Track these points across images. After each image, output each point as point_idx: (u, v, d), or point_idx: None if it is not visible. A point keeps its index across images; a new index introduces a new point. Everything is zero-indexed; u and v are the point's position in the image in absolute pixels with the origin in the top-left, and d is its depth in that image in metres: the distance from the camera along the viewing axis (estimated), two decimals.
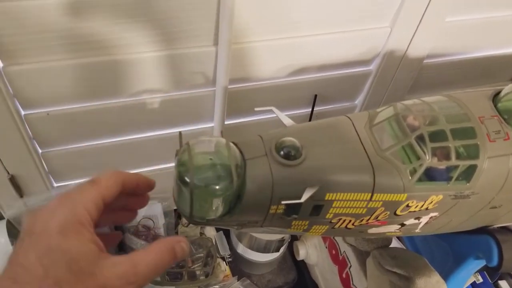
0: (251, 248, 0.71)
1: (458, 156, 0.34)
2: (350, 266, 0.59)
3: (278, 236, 0.68)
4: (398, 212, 0.36)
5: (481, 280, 0.68)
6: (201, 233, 0.76)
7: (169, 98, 0.56)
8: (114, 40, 0.47)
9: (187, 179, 0.29)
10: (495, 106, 0.38)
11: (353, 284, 0.58)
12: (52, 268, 0.24)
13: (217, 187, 0.30)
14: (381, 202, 0.35)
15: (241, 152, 0.32)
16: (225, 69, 0.52)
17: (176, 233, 0.75)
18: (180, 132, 0.33)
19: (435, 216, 0.38)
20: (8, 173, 0.55)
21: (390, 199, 0.34)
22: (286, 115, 0.38)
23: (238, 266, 0.76)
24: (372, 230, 0.39)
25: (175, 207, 0.37)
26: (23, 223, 0.27)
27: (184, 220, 0.74)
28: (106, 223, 0.34)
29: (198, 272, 0.66)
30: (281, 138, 0.33)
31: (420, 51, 0.64)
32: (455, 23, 0.63)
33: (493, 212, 0.40)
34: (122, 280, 0.26)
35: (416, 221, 0.38)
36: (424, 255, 0.55)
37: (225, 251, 0.74)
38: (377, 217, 0.36)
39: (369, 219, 0.36)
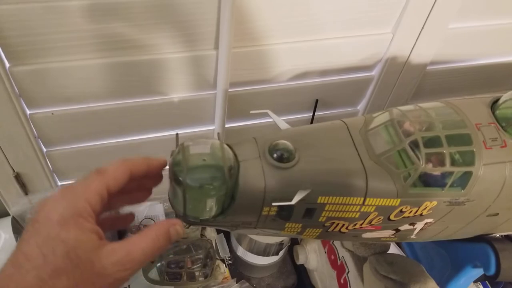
0: (251, 251, 0.71)
1: (453, 163, 0.34)
2: (348, 272, 0.58)
3: (277, 239, 0.68)
4: (391, 217, 0.36)
5: None
6: (202, 235, 0.76)
7: (171, 101, 0.56)
8: (118, 42, 0.48)
9: (181, 179, 0.30)
10: (493, 113, 0.38)
11: None
12: (51, 256, 0.25)
13: (210, 187, 0.30)
14: (374, 207, 0.35)
15: (235, 154, 0.33)
16: (225, 72, 0.52)
17: None
18: (177, 134, 0.33)
19: (430, 222, 0.38)
20: (14, 170, 0.56)
21: (383, 204, 0.35)
22: (287, 119, 0.39)
23: (238, 268, 0.76)
24: (366, 235, 0.39)
25: None
26: (31, 214, 0.27)
27: None
28: (122, 204, 0.35)
29: (197, 273, 0.67)
30: (275, 140, 0.34)
31: (423, 57, 0.64)
32: (458, 30, 0.63)
33: (491, 220, 0.40)
34: (118, 266, 0.27)
35: (411, 227, 0.38)
36: (423, 262, 0.55)
37: (225, 253, 0.75)
38: (371, 222, 0.36)
39: (362, 223, 0.36)
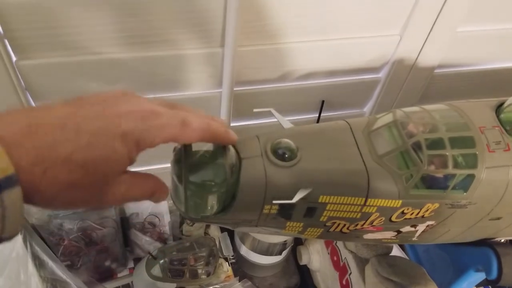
0: (254, 250, 0.71)
1: (456, 165, 0.34)
2: (350, 273, 0.58)
3: (280, 239, 0.68)
4: (393, 219, 0.36)
5: None
6: (206, 233, 0.77)
7: (176, 98, 0.57)
8: (124, 38, 0.48)
9: (182, 175, 0.30)
10: (498, 116, 0.37)
11: None
12: (84, 133, 0.23)
13: (211, 184, 0.31)
14: (375, 208, 0.35)
15: (237, 151, 0.33)
16: (231, 71, 0.53)
17: (181, 232, 0.75)
18: None
19: (431, 224, 0.38)
20: None
21: (384, 205, 0.34)
22: (292, 120, 0.39)
23: (241, 267, 0.77)
24: (367, 236, 0.39)
25: None
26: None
27: None
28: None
29: (199, 271, 0.67)
30: (277, 139, 0.34)
31: (431, 60, 0.64)
32: (467, 34, 0.63)
33: (493, 224, 0.39)
34: (115, 199, 0.26)
35: (413, 229, 0.38)
36: (426, 265, 0.55)
37: (228, 251, 0.75)
38: (372, 223, 0.36)
39: (364, 224, 0.36)
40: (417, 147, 0.34)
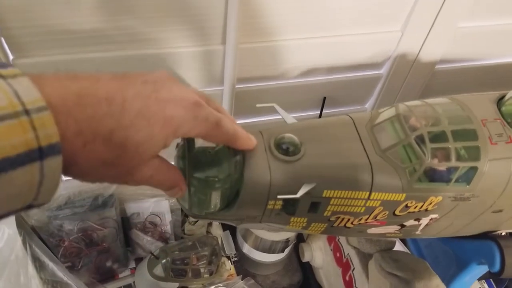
0: (256, 248, 0.71)
1: (459, 158, 0.34)
2: (353, 269, 0.58)
3: (283, 237, 0.69)
4: (397, 212, 0.36)
5: None
6: (208, 232, 0.77)
7: None
8: (124, 35, 0.48)
9: (186, 172, 0.30)
10: (499, 109, 0.38)
11: (355, 286, 0.58)
12: (130, 104, 0.22)
13: (215, 180, 0.31)
14: (379, 201, 0.35)
15: None
16: (232, 68, 0.53)
17: (183, 231, 0.75)
18: None
19: (435, 218, 0.38)
20: None
21: (388, 199, 0.35)
22: (294, 116, 0.39)
23: (244, 265, 0.77)
24: (371, 230, 0.39)
25: None
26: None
27: (191, 218, 0.75)
28: None
29: (202, 270, 0.67)
30: (281, 134, 0.34)
31: (432, 56, 0.64)
32: (468, 29, 0.63)
33: (496, 216, 0.39)
34: (140, 181, 0.26)
35: (416, 222, 0.38)
36: (428, 259, 0.55)
37: (230, 250, 0.75)
38: (376, 217, 0.36)
39: (368, 218, 0.36)
40: (420, 140, 0.34)
